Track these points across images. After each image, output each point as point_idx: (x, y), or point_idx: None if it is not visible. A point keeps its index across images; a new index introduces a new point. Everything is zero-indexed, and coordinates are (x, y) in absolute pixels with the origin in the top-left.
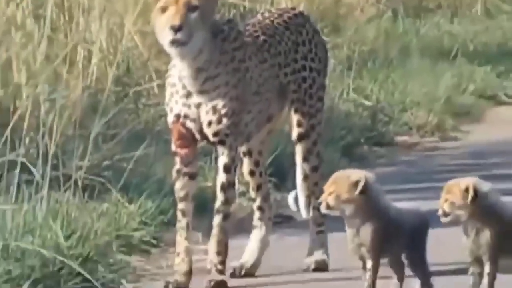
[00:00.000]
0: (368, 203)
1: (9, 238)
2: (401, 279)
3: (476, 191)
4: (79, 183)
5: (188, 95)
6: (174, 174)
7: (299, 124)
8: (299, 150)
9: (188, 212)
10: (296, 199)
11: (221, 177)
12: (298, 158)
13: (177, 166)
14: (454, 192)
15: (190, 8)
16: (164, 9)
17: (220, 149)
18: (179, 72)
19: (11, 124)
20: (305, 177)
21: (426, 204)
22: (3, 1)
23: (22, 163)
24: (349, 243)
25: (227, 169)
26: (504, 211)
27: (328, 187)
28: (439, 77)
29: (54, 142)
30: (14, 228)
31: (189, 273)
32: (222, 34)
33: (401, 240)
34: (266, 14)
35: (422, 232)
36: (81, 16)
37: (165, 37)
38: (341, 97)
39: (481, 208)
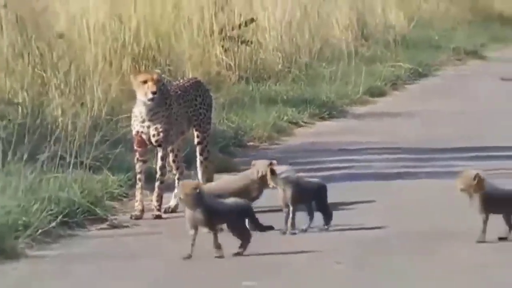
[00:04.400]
0: None
1: (51, 193)
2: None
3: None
4: (88, 165)
5: (143, 121)
6: (135, 161)
7: (198, 136)
8: (198, 149)
9: (142, 180)
10: None
11: (159, 163)
12: (198, 154)
13: (137, 156)
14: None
15: (158, 82)
16: (144, 82)
17: (159, 149)
18: (140, 109)
19: (55, 135)
20: (201, 163)
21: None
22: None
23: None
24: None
25: (162, 158)
26: (299, 181)
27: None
28: (269, 113)
29: (75, 143)
30: (54, 188)
31: (142, 211)
32: (161, 91)
33: None
34: (181, 81)
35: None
36: (91, 83)
37: (145, 97)
38: (219, 122)
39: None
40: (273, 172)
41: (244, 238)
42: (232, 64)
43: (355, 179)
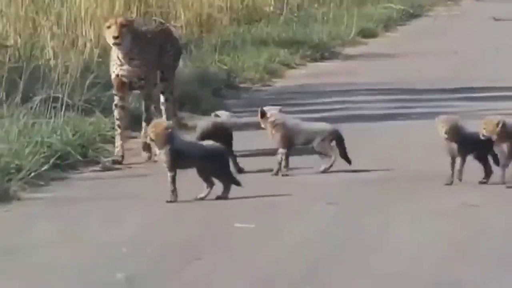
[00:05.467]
0: None
1: (44, 136)
2: None
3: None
4: (80, 108)
5: (122, 64)
6: (113, 107)
7: (161, 84)
8: (163, 97)
9: (121, 126)
10: None
11: (144, 104)
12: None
13: (115, 102)
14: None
15: (122, 26)
16: (109, 27)
17: (141, 91)
18: (117, 53)
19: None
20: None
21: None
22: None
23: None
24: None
25: (146, 99)
26: (286, 123)
27: None
28: (261, 54)
29: (68, 86)
30: (46, 131)
31: (122, 156)
32: (133, 35)
33: None
34: (152, 24)
35: None
36: (83, 26)
37: (110, 41)
38: (211, 64)
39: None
40: (263, 114)
41: (226, 181)
42: (224, 6)
43: (347, 121)
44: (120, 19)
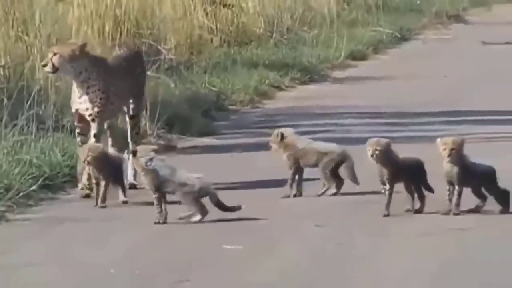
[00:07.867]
0: None
1: (32, 156)
2: None
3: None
4: (68, 128)
5: (80, 96)
6: (76, 134)
7: (133, 110)
8: (130, 123)
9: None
10: None
11: (91, 139)
12: (129, 128)
13: (78, 130)
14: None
15: (54, 54)
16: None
17: (93, 124)
18: (76, 84)
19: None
20: (131, 138)
21: None
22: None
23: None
24: None
25: (95, 136)
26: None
27: None
28: (251, 76)
29: (56, 107)
30: (34, 151)
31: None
32: (98, 64)
33: None
34: (119, 51)
35: None
36: None
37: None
38: (201, 86)
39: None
40: (282, 137)
41: (201, 210)
42: (214, 28)
43: (335, 143)
44: (56, 48)
